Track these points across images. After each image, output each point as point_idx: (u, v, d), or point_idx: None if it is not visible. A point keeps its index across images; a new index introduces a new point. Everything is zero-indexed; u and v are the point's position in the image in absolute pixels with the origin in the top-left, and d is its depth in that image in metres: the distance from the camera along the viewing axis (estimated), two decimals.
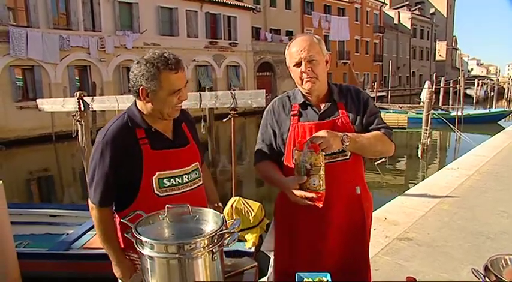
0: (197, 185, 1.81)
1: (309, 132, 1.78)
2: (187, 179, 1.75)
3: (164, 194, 1.69)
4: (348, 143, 1.68)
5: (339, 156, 1.79)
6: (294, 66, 1.81)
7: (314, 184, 1.64)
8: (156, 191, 1.67)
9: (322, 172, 1.64)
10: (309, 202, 1.65)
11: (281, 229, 1.98)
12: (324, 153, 1.66)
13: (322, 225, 1.82)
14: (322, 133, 1.63)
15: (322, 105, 1.85)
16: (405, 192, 5.51)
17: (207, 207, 1.87)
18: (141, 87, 1.64)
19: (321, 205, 1.64)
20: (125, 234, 1.33)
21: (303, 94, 1.88)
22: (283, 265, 1.96)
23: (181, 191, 1.73)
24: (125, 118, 1.73)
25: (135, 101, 1.76)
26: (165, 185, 1.69)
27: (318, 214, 1.77)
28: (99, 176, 1.67)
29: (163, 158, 1.70)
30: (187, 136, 1.85)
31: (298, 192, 1.66)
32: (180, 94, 1.67)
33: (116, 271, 1.80)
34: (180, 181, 1.73)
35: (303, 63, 1.76)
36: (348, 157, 1.80)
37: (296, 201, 1.69)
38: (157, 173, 1.67)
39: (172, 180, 1.70)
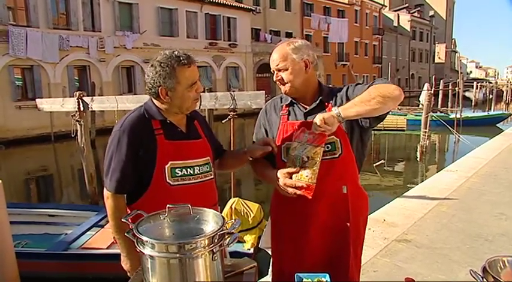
0: (208, 178, 1.87)
1: (296, 130, 1.82)
2: (199, 170, 1.82)
3: (176, 183, 1.75)
4: (342, 116, 1.67)
5: (327, 155, 1.80)
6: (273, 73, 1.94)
7: (306, 176, 1.68)
8: (168, 180, 1.74)
9: (316, 166, 1.67)
10: (298, 192, 1.69)
11: (274, 227, 2.03)
12: (322, 146, 1.70)
13: (305, 223, 1.85)
14: (319, 121, 1.65)
15: (309, 105, 1.91)
16: (404, 194, 5.51)
17: (216, 200, 1.94)
18: (160, 88, 1.72)
19: (310, 196, 1.68)
20: (125, 234, 1.33)
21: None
22: (277, 264, 2.02)
23: (192, 181, 1.80)
24: (141, 110, 1.82)
25: (151, 98, 1.84)
26: (177, 175, 1.76)
27: (301, 211, 1.83)
28: (115, 163, 1.74)
29: (177, 148, 1.77)
30: (199, 132, 1.93)
31: (288, 181, 1.71)
32: (196, 87, 1.77)
33: (125, 263, 1.83)
34: (191, 172, 1.79)
35: (275, 72, 1.91)
36: (337, 156, 1.82)
37: (284, 193, 1.75)
38: (170, 162, 1.74)
39: (184, 170, 1.77)
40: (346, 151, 1.83)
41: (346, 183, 1.86)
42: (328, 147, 1.79)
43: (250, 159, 1.97)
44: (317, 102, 1.89)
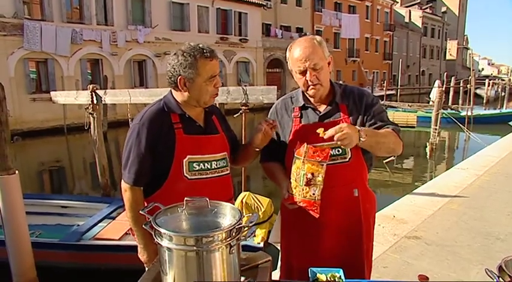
0: (224, 173, 1.88)
1: (309, 134, 1.80)
2: (216, 165, 1.84)
3: (193, 177, 1.77)
4: (364, 139, 1.65)
5: (338, 159, 1.80)
6: (298, 73, 1.82)
7: (313, 194, 1.68)
8: (185, 174, 1.76)
9: (321, 183, 1.68)
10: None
11: (284, 223, 2.04)
12: (327, 163, 1.69)
13: (317, 225, 1.85)
14: (346, 128, 1.60)
15: (324, 107, 1.88)
16: (414, 191, 5.50)
17: (232, 194, 1.96)
18: (179, 77, 1.74)
19: (318, 215, 1.71)
20: (143, 226, 1.36)
21: (304, 96, 1.92)
22: (286, 258, 2.04)
23: (209, 176, 1.81)
24: (161, 104, 1.84)
25: (171, 91, 1.86)
26: (195, 169, 1.78)
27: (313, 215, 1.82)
28: (134, 155, 1.76)
29: (195, 142, 1.79)
30: (217, 127, 1.93)
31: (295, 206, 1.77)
32: (215, 81, 1.78)
33: (142, 255, 1.86)
34: (208, 166, 1.81)
35: (308, 71, 1.78)
36: (347, 160, 1.81)
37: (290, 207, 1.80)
38: (188, 156, 1.76)
39: (201, 164, 1.79)
40: (356, 155, 1.82)
41: (357, 186, 1.86)
42: (338, 151, 1.79)
43: (257, 150, 1.94)
44: (332, 105, 1.86)
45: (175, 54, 1.75)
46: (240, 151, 2.08)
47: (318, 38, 1.85)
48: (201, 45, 1.74)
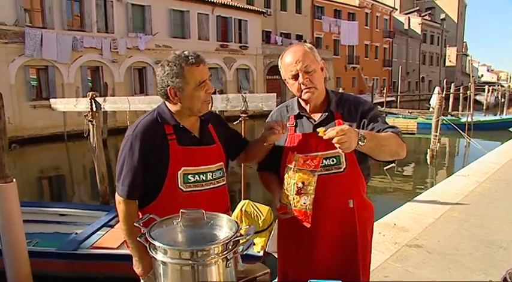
0: (220, 184, 1.84)
1: (304, 143, 1.79)
2: (211, 176, 1.79)
3: (188, 189, 1.73)
4: (363, 144, 1.57)
5: (333, 169, 1.76)
6: (291, 78, 1.80)
7: (304, 203, 1.66)
8: (180, 186, 1.72)
9: (312, 192, 1.65)
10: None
11: (281, 233, 2.01)
12: (319, 173, 1.67)
13: (311, 236, 1.81)
14: (348, 131, 1.53)
15: (318, 115, 1.84)
16: (415, 198, 5.45)
17: (228, 205, 1.92)
18: (168, 87, 1.70)
19: (309, 225, 1.67)
20: (138, 239, 1.33)
21: (299, 105, 1.89)
22: (283, 268, 2.00)
23: (205, 187, 1.77)
24: (154, 114, 1.79)
25: (164, 101, 1.82)
26: (190, 181, 1.73)
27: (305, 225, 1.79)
28: (127, 168, 1.72)
29: (189, 154, 1.75)
30: (213, 136, 1.88)
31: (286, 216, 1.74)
32: (206, 87, 1.73)
33: (137, 267, 1.81)
34: (204, 178, 1.77)
35: (300, 74, 1.76)
36: (342, 170, 1.77)
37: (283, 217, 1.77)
38: (182, 168, 1.72)
39: (196, 176, 1.75)
40: (352, 165, 1.78)
41: (353, 197, 1.81)
42: (333, 161, 1.76)
43: (265, 144, 1.85)
44: (326, 113, 1.83)
45: (161, 65, 1.72)
46: (252, 147, 2.02)
47: (308, 44, 1.84)
48: (186, 53, 1.69)
